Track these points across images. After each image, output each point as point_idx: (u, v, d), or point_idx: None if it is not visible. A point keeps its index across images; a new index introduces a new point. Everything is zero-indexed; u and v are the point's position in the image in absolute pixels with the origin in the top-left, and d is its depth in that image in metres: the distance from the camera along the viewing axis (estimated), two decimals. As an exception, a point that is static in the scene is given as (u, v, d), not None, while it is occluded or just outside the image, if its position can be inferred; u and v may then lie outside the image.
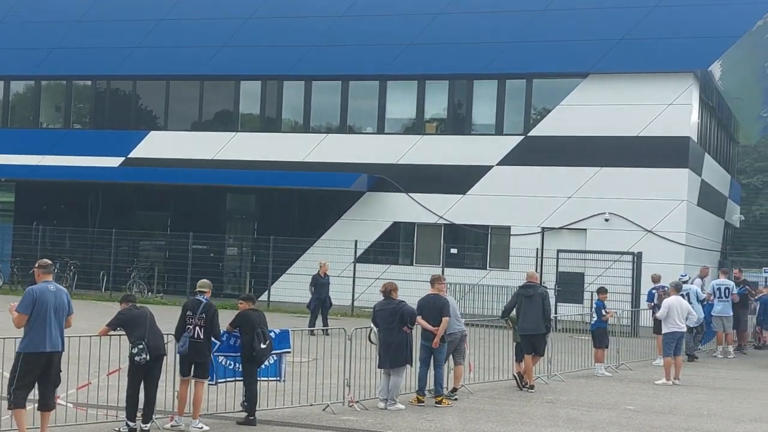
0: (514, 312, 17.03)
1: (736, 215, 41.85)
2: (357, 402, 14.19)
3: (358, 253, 30.40)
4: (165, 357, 12.19)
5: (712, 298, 23.17)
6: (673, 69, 27.93)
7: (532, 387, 16.49)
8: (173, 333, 12.39)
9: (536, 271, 24.82)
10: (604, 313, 19.00)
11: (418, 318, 14.64)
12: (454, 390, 15.32)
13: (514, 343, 17.11)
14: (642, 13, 28.47)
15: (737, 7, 27.87)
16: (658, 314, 19.04)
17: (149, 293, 31.42)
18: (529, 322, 16.61)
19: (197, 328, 12.28)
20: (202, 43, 32.71)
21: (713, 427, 13.66)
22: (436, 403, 14.60)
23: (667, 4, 28.29)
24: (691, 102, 28.27)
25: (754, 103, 39.60)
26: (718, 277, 24.53)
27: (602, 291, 19.48)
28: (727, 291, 23.29)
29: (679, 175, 28.12)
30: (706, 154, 32.33)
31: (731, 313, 23.37)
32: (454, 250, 30.32)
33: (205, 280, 12.97)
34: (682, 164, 28.17)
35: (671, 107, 27.96)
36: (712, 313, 23.15)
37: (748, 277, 26.61)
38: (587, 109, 28.78)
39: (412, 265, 30.43)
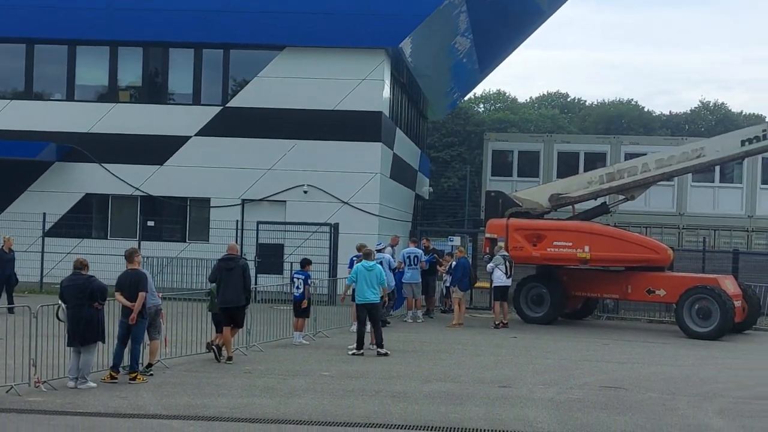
0: (214, 285, 16.89)
1: (426, 187, 44.09)
2: (44, 382, 13.49)
3: (47, 227, 29.03)
4: None
5: (402, 265, 24.24)
6: (366, 45, 28.80)
7: (230, 359, 16.46)
8: None
9: (236, 243, 24.75)
10: (309, 283, 19.31)
11: (117, 294, 14.17)
12: (150, 365, 14.97)
13: (210, 314, 17.06)
14: (337, -12, 29.08)
15: (426, -14, 29.16)
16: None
17: None
18: (229, 295, 16.55)
19: None
20: None
21: (402, 388, 14.30)
22: (130, 379, 14.20)
23: (361, -19, 29.07)
24: (383, 78, 29.31)
25: (442, 80, 41.81)
26: (408, 246, 25.70)
27: (307, 263, 19.68)
28: (416, 259, 24.46)
29: (372, 149, 29.12)
30: (398, 129, 33.73)
31: (420, 280, 24.59)
32: (151, 223, 29.65)
33: None
34: (376, 138, 29.19)
35: (365, 82, 28.85)
36: (402, 280, 24.23)
37: (435, 246, 28.11)
38: (285, 81, 29.06)
39: (106, 238, 29.46)
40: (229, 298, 16.55)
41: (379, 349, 17.83)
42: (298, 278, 19.29)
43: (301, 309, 19.24)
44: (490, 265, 23.44)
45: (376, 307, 18.14)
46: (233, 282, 16.55)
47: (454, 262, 24.37)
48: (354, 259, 22.31)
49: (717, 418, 12.69)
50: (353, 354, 17.76)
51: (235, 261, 16.81)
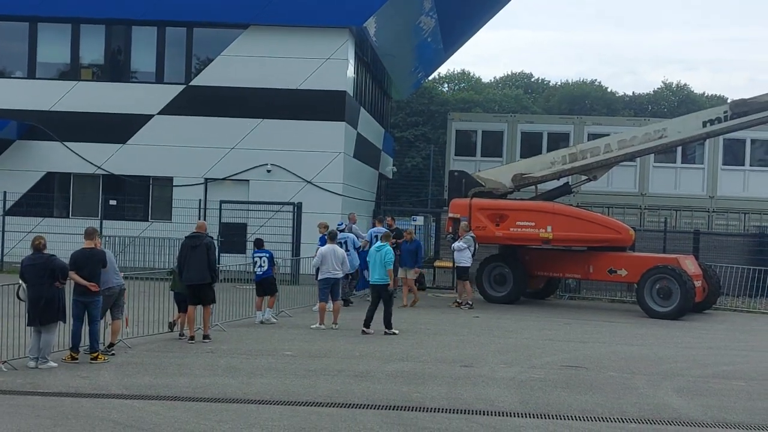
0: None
1: (390, 167, 44.10)
2: (5, 362, 13.42)
3: (8, 206, 28.74)
4: None
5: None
6: (331, 24, 28.67)
7: (192, 338, 16.44)
8: None
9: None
10: (275, 262, 19.36)
11: (72, 273, 14.04)
12: (111, 345, 14.92)
13: (172, 293, 17.01)
14: (301, -33, 28.90)
15: (391, -34, 29.08)
16: (313, 263, 19.73)
17: None
18: (192, 272, 16.51)
19: None
20: None
21: (365, 367, 14.36)
22: (91, 359, 14.13)
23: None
24: (347, 57, 29.22)
25: (406, 60, 41.74)
26: (374, 226, 25.71)
27: (262, 242, 19.72)
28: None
29: (336, 128, 29.05)
30: (362, 108, 33.67)
31: (384, 260, 24.57)
32: (113, 202, 29.42)
33: None
34: (339, 118, 29.11)
35: (329, 62, 28.75)
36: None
37: (399, 225, 28.15)
38: (249, 60, 28.88)
39: (68, 217, 29.24)
40: (192, 276, 16.52)
41: (387, 330, 18.23)
42: (260, 257, 19.28)
43: (266, 287, 19.27)
44: (460, 244, 23.43)
45: (384, 288, 18.44)
46: (197, 259, 16.51)
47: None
48: (325, 237, 22.35)
49: (676, 397, 12.88)
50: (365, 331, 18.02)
51: (200, 238, 16.75)
